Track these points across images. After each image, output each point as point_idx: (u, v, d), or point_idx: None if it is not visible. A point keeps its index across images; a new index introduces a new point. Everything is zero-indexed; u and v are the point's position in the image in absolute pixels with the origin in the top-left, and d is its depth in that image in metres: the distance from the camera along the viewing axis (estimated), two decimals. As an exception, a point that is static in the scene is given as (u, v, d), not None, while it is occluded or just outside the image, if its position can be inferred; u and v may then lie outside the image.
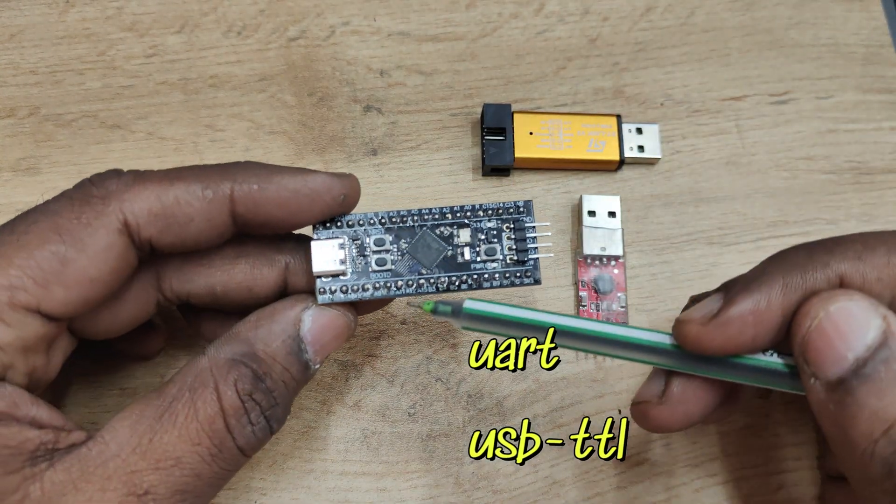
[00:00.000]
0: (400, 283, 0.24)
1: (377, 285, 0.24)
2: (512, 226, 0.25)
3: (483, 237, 0.25)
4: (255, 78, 0.34)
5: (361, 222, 0.24)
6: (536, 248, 0.25)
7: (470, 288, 0.24)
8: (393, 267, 0.24)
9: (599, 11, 0.37)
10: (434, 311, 0.24)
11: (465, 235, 0.24)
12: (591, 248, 0.32)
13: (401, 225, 0.24)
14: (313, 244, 0.24)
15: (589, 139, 0.33)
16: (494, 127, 0.33)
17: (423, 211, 0.25)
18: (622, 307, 0.31)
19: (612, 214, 0.32)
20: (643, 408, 0.24)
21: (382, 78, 0.35)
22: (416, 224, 0.25)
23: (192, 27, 0.35)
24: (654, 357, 0.23)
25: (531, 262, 0.25)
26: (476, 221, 0.25)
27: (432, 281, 0.24)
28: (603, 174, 0.34)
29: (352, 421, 0.30)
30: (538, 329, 0.23)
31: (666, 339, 0.23)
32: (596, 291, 0.31)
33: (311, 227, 0.24)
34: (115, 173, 0.22)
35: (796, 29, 0.37)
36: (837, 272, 0.20)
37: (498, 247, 0.25)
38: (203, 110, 0.34)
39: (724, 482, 0.30)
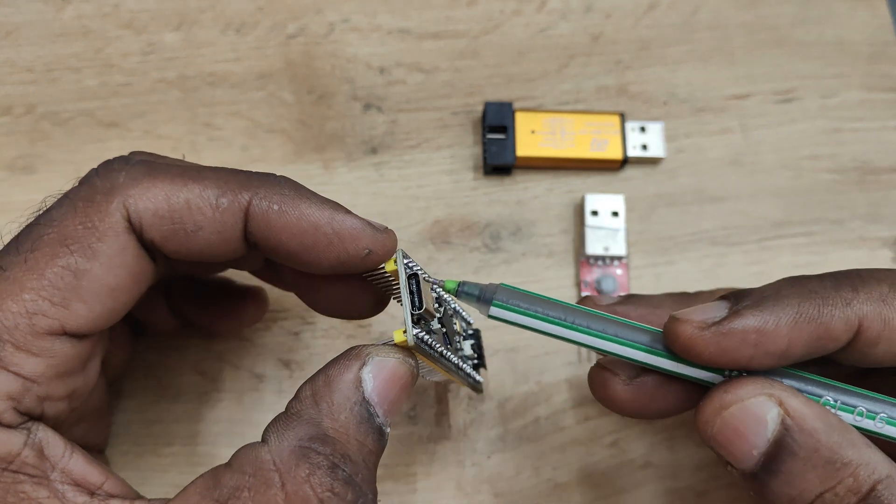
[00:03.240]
0: (453, 357, 0.22)
1: (444, 351, 0.21)
2: (473, 331, 0.26)
3: (464, 333, 0.25)
4: (254, 76, 0.34)
5: (424, 272, 0.22)
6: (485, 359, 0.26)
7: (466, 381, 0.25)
8: (444, 332, 0.23)
9: (602, 9, 0.36)
10: (456, 294, 0.22)
11: (458, 324, 0.24)
12: (593, 248, 0.31)
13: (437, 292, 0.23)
14: (422, 278, 0.21)
15: (592, 138, 0.33)
16: (496, 125, 0.32)
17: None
18: (625, 308, 0.31)
19: (615, 214, 0.32)
20: (607, 378, 0.22)
21: (382, 76, 0.34)
22: (440, 293, 0.23)
23: (190, 24, 0.35)
24: (636, 353, 0.21)
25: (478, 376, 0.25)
26: (458, 315, 0.25)
27: (458, 363, 0.23)
28: (606, 173, 0.33)
29: (351, 423, 0.29)
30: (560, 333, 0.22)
31: (645, 339, 0.21)
32: (599, 292, 0.31)
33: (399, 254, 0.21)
34: (124, 161, 0.20)
35: (801, 27, 0.36)
36: (858, 314, 0.19)
37: (474, 347, 0.25)
38: (201, 108, 0.33)
39: (728, 485, 0.29)
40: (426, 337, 0.20)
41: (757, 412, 0.19)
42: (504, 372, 0.30)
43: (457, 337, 0.23)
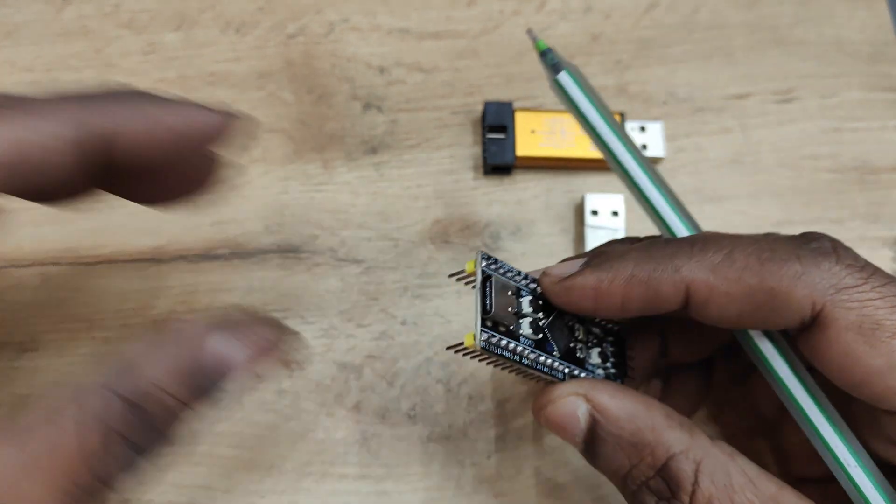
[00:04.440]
0: (542, 358, 0.22)
1: (524, 352, 0.21)
2: (612, 339, 0.25)
3: (594, 340, 0.24)
4: (254, 75, 0.34)
5: (517, 277, 0.22)
6: (627, 368, 0.25)
7: None
8: (539, 338, 0.22)
9: (602, 9, 0.36)
10: (542, 55, 0.23)
11: (582, 332, 0.24)
12: (593, 247, 0.31)
13: (542, 297, 0.22)
14: (495, 278, 0.21)
15: (591, 137, 0.33)
16: (496, 125, 0.32)
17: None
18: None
19: (615, 214, 0.32)
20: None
21: (382, 75, 0.34)
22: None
23: (190, 24, 0.35)
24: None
25: (619, 381, 0.24)
26: (588, 323, 0.24)
27: (562, 368, 0.22)
28: (606, 173, 0.33)
29: (351, 423, 0.29)
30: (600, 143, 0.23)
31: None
32: (599, 292, 0.31)
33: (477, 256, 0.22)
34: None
35: (801, 27, 0.36)
36: (686, 280, 0.21)
37: (606, 354, 0.24)
38: (201, 108, 0.33)
39: (728, 485, 0.29)
40: (501, 341, 0.21)
41: (568, 410, 0.22)
42: (504, 371, 0.30)
43: (578, 345, 0.23)
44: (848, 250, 0.21)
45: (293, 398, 0.30)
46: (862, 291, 0.20)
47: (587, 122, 0.23)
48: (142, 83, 0.34)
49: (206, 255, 0.31)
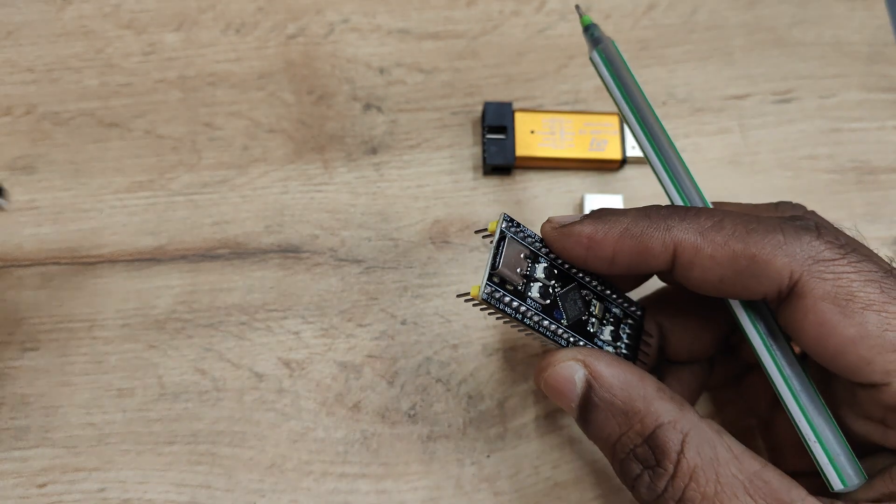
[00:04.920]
0: (545, 322, 0.23)
1: (527, 313, 0.22)
2: (631, 322, 0.26)
3: (611, 318, 0.25)
4: (254, 76, 0.34)
5: (536, 244, 0.23)
6: (639, 353, 0.26)
7: None
8: (546, 303, 0.23)
9: (601, 9, 0.36)
10: (586, 28, 0.25)
11: (599, 309, 0.24)
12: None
13: (559, 268, 0.23)
14: (509, 240, 0.22)
15: (591, 138, 0.33)
16: (495, 125, 0.33)
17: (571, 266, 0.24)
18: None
19: (614, 214, 0.32)
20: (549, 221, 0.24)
21: (382, 76, 0.35)
22: (572, 274, 0.24)
23: (191, 25, 0.35)
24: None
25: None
26: (608, 302, 0.25)
27: (566, 336, 0.23)
28: (605, 173, 0.34)
29: (351, 422, 0.29)
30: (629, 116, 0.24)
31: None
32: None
33: (500, 218, 0.22)
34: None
35: (799, 27, 0.36)
36: (674, 239, 0.22)
37: (619, 335, 0.25)
38: (201, 108, 0.34)
39: (727, 484, 0.29)
40: (504, 297, 0.22)
41: (566, 374, 0.23)
42: (504, 370, 0.30)
43: (591, 319, 0.24)
44: (830, 229, 0.22)
45: (293, 398, 0.30)
46: (838, 265, 0.21)
47: (612, 98, 0.25)
48: (142, 83, 0.34)
49: (206, 255, 0.31)
